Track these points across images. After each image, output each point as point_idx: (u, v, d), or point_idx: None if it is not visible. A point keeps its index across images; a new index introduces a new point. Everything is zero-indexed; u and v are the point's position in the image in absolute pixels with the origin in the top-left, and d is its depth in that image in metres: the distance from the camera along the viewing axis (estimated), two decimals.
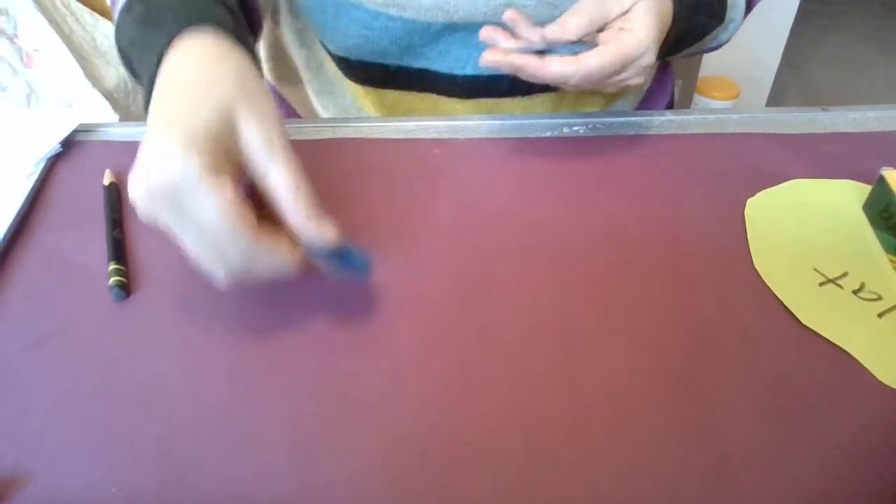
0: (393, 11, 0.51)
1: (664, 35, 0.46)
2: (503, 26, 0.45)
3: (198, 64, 0.34)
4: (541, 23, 0.45)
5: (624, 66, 0.43)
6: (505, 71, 0.45)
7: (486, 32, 0.45)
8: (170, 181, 0.30)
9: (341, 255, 0.33)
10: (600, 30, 0.45)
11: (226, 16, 0.38)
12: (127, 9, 0.40)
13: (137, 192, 0.31)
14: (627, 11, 0.44)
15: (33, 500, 0.31)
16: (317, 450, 0.32)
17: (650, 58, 0.44)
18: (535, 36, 0.45)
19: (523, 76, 0.44)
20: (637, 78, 0.46)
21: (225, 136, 0.32)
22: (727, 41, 0.59)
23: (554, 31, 0.43)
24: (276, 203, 0.33)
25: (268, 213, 0.33)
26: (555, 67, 0.43)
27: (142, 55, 0.37)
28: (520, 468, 0.31)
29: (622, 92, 0.60)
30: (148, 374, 0.36)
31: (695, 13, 0.49)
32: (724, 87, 1.79)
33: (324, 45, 0.57)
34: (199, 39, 0.35)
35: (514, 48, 0.44)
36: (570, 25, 0.43)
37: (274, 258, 0.33)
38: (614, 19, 0.44)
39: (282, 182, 0.32)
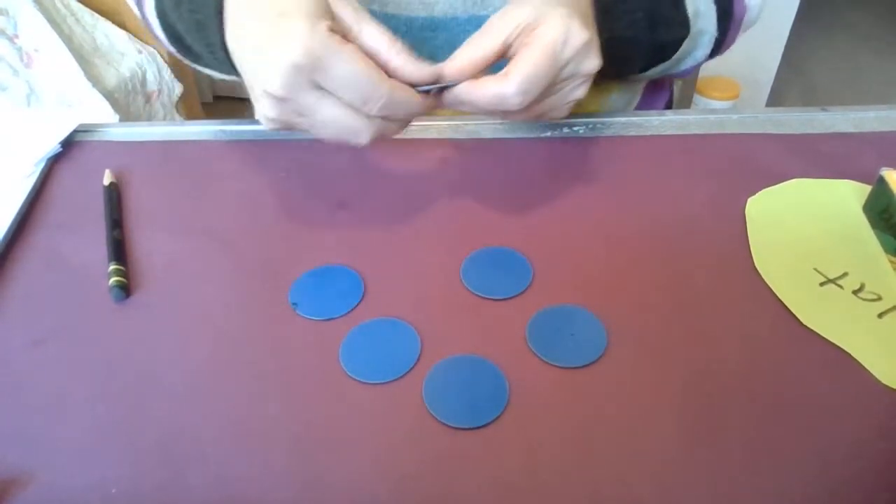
0: (375, 7, 0.51)
1: (588, 16, 0.40)
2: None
3: None
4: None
5: (555, 63, 0.38)
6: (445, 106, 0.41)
7: None
8: (309, 55, 0.32)
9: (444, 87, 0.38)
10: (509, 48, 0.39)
11: None
12: None
13: (275, 82, 0.33)
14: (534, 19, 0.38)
15: (33, 500, 0.31)
16: (317, 450, 0.32)
17: (586, 50, 0.39)
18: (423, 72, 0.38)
19: (462, 109, 0.40)
20: (582, 87, 0.41)
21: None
22: (703, 58, 0.55)
23: (455, 69, 0.38)
24: (377, 55, 0.36)
25: None
26: (491, 86, 0.38)
27: None
28: (521, 469, 0.31)
29: (616, 86, 0.59)
30: (148, 374, 0.36)
31: (654, 25, 0.47)
32: (724, 87, 1.79)
33: None
34: None
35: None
36: (465, 62, 0.38)
37: (409, 98, 0.36)
38: (523, 27, 0.38)
39: (378, 35, 0.35)
